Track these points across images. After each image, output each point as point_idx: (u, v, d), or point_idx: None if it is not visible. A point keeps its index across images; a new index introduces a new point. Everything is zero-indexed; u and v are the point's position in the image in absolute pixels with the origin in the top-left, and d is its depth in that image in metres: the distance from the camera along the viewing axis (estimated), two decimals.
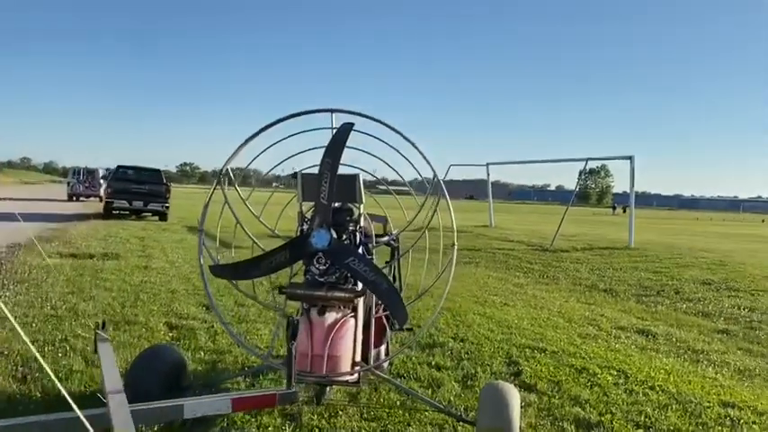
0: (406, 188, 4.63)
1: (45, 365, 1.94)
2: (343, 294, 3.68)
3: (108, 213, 22.66)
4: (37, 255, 10.99)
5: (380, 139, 3.82)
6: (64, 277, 8.57)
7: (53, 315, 6.26)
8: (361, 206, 3.90)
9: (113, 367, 2.62)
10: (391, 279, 4.55)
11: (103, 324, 2.98)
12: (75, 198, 38.46)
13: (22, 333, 2.00)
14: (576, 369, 5.48)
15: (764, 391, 5.37)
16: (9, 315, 2.18)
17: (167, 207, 22.83)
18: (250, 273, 3.79)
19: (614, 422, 4.25)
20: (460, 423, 3.87)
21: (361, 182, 3.82)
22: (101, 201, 30.28)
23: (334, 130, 3.67)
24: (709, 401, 4.84)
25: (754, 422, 4.47)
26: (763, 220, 64.30)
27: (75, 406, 1.71)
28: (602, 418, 4.30)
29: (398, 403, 4.31)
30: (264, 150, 3.97)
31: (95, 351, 2.76)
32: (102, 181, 35.88)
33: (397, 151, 3.81)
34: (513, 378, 5.11)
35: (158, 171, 25.25)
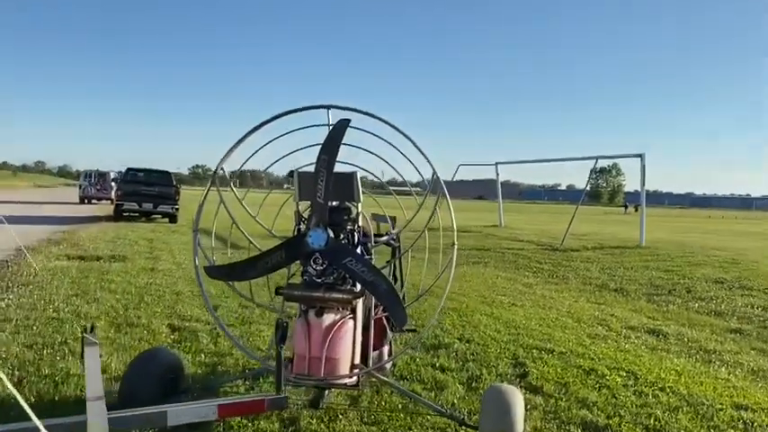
0: (406, 188, 4.53)
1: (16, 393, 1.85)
2: (341, 295, 3.59)
3: (118, 216, 22.71)
4: (44, 257, 11.00)
5: (378, 136, 3.73)
6: (69, 279, 8.54)
7: (55, 317, 6.22)
8: (359, 205, 3.80)
9: (97, 373, 2.53)
10: (391, 279, 4.47)
11: (92, 327, 2.90)
12: (87, 201, 38.63)
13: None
14: (585, 370, 5.36)
15: None
16: None
17: (177, 209, 22.84)
18: (246, 273, 3.71)
19: (623, 425, 4.13)
20: (463, 427, 3.77)
21: (359, 180, 3.73)
22: (112, 203, 30.38)
23: (331, 127, 3.59)
24: (721, 403, 4.71)
25: None
26: None
27: (33, 415, 1.62)
28: (610, 422, 4.18)
29: (400, 407, 4.21)
30: (260, 148, 3.89)
31: (82, 356, 2.67)
32: (113, 184, 35.99)
33: (395, 147, 3.72)
34: (518, 380, 5.00)
35: (168, 173, 25.29)
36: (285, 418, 3.91)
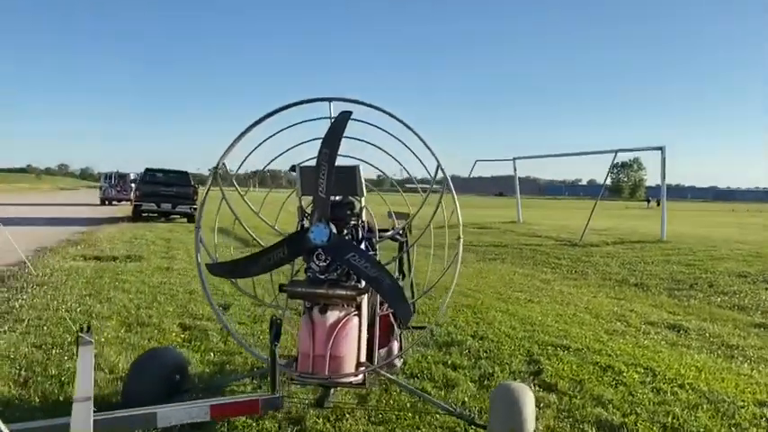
0: (412, 184, 4.41)
1: None
2: (345, 292, 3.51)
3: (137, 216, 22.89)
4: (61, 257, 11.07)
5: (382, 129, 3.63)
6: (83, 280, 8.56)
7: (67, 317, 6.21)
8: (363, 199, 3.71)
9: (89, 374, 2.47)
10: (399, 275, 4.38)
11: (88, 327, 2.85)
12: (107, 202, 39.05)
13: None
14: (601, 367, 5.22)
15: None
16: None
17: (195, 209, 22.96)
18: (248, 270, 3.65)
19: (639, 424, 4.00)
20: (473, 426, 3.66)
21: (362, 174, 3.64)
22: (131, 204, 30.66)
23: (332, 120, 3.50)
24: (743, 400, 4.55)
25: None
26: None
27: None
28: (626, 420, 4.04)
29: (409, 405, 4.12)
30: (262, 143, 3.81)
31: (76, 354, 2.63)
32: (132, 185, 36.30)
33: (398, 140, 3.61)
34: (532, 377, 4.88)
35: (186, 173, 25.42)
36: (290, 418, 3.83)
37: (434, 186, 3.70)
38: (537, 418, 3.95)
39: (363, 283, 3.52)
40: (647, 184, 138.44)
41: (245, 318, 6.61)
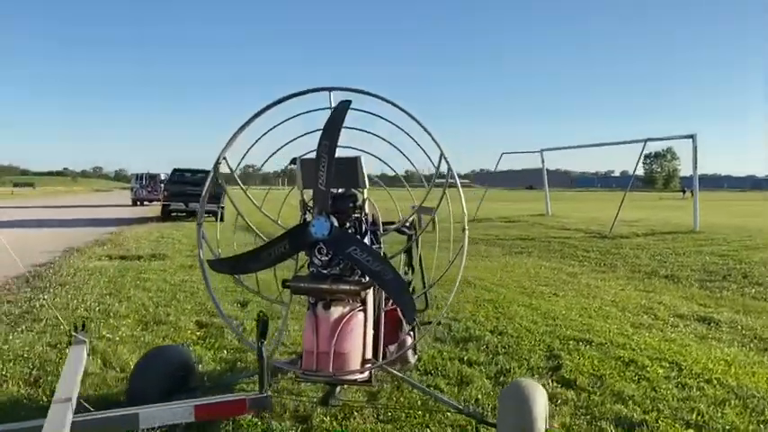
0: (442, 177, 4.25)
1: None
2: (348, 287, 3.40)
3: (165, 216, 23.14)
4: (87, 258, 11.20)
5: (383, 117, 3.51)
6: (105, 279, 8.63)
7: (85, 317, 6.23)
8: (365, 191, 3.60)
9: (75, 374, 2.41)
10: (408, 269, 4.26)
11: (83, 325, 2.81)
12: (139, 203, 39.60)
13: None
14: (624, 362, 5.03)
15: None
16: None
17: (222, 207, 23.10)
18: (250, 266, 3.57)
19: (660, 421, 3.82)
20: (483, 425, 3.53)
21: (363, 165, 3.52)
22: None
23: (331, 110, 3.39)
24: None
25: None
26: None
27: None
28: (647, 417, 3.86)
29: (419, 403, 4.00)
30: (263, 136, 3.72)
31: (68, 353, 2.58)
32: (162, 185, 36.76)
33: (401, 129, 3.49)
34: (551, 373, 4.72)
35: (208, 172, 25.56)
36: (298, 416, 3.76)
37: (439, 177, 3.56)
38: (553, 416, 3.82)
39: (368, 277, 3.41)
40: (682, 174, 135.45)
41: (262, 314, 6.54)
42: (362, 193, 3.59)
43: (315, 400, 3.86)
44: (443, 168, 3.39)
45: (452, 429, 3.63)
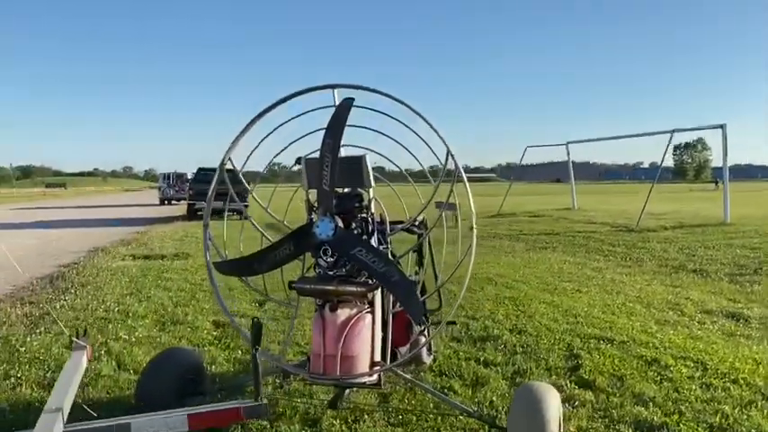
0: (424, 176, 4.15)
1: None
2: (355, 288, 3.33)
3: (191, 215, 23.34)
4: (111, 257, 11.31)
5: (388, 115, 3.42)
6: (127, 279, 8.69)
7: (103, 318, 6.28)
8: (371, 190, 3.52)
9: (70, 382, 2.38)
10: (421, 269, 4.17)
11: (85, 331, 2.78)
12: (166, 202, 40.08)
13: None
14: (646, 361, 4.88)
15: None
16: None
17: (247, 206, 23.25)
18: (255, 268, 3.52)
19: (682, 424, 3.68)
20: (494, 429, 3.44)
21: (369, 164, 3.44)
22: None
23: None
24: None
25: None
26: None
27: None
28: (668, 420, 3.72)
29: (432, 405, 3.92)
30: (267, 136, 3.66)
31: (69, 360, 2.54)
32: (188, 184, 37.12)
33: (407, 126, 3.40)
34: (569, 374, 4.59)
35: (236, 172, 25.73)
36: (307, 419, 3.71)
37: (443, 173, 3.45)
38: (569, 419, 3.71)
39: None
40: (714, 164, 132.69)
41: (280, 314, 6.53)
42: (368, 192, 3.51)
43: (325, 402, 3.81)
44: (450, 166, 3.30)
45: None
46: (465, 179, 3.28)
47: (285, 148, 3.75)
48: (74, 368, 2.38)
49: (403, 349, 3.91)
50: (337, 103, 3.43)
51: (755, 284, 8.77)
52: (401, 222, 3.77)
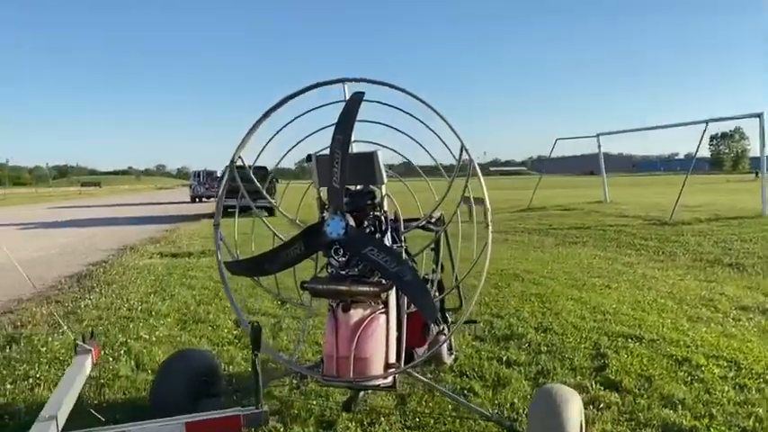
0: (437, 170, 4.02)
1: None
2: (368, 288, 3.23)
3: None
4: (139, 255, 11.42)
5: (399, 109, 3.31)
6: (153, 277, 8.74)
7: (126, 317, 6.30)
8: (383, 187, 3.41)
9: (69, 389, 2.32)
10: (438, 267, 4.05)
11: (92, 333, 2.74)
12: (197, 199, 40.53)
13: None
14: (676, 360, 4.70)
15: None
16: None
17: (273, 204, 23.41)
18: (266, 268, 3.45)
19: (712, 428, 3.51)
20: None
21: (381, 160, 3.34)
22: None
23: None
24: None
25: None
26: None
27: None
28: (698, 423, 3.55)
29: (450, 407, 3.80)
30: (277, 133, 3.59)
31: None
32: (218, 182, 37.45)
33: (419, 120, 3.28)
34: (594, 374, 4.43)
35: (265, 168, 25.77)
36: (322, 421, 3.63)
37: (458, 168, 3.33)
38: (593, 421, 3.57)
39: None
40: (752, 154, 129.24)
41: (301, 312, 6.46)
42: (381, 189, 3.41)
43: (338, 404, 3.73)
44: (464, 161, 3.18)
45: None
46: (479, 174, 3.16)
47: (295, 145, 3.67)
48: (76, 372, 2.34)
49: (420, 350, 3.81)
50: (347, 98, 3.34)
51: None
52: (416, 220, 3.66)
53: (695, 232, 13.73)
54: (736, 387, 4.16)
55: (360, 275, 3.25)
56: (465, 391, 4.09)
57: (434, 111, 3.10)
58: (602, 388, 4.14)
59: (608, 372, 4.44)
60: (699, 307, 6.74)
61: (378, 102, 3.28)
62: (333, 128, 3.31)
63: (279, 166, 4.19)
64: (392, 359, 3.36)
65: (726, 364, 4.61)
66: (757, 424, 3.57)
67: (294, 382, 4.28)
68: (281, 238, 3.64)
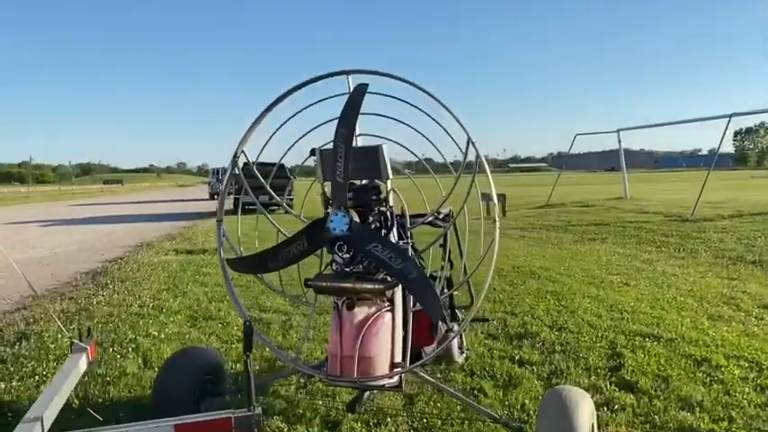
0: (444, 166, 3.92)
1: None
2: (372, 285, 3.14)
3: (236, 209, 23.62)
4: (155, 252, 11.44)
5: (405, 101, 3.22)
6: (166, 274, 8.74)
7: (137, 313, 6.28)
8: (389, 182, 3.32)
9: (59, 389, 2.27)
10: (447, 263, 3.95)
11: (89, 331, 2.68)
12: (216, 196, 40.80)
13: None
14: (695, 360, 4.55)
15: None
16: None
17: (291, 199, 23.46)
18: (269, 265, 3.37)
19: (731, 431, 3.37)
20: None
21: (386, 154, 3.24)
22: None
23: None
24: None
25: None
26: None
27: None
28: (716, 426, 3.42)
29: (459, 408, 3.71)
30: (281, 126, 3.51)
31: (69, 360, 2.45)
32: None
33: (424, 112, 3.19)
34: (609, 374, 4.30)
35: (282, 165, 25.87)
36: (327, 422, 3.56)
37: (464, 163, 3.23)
38: (606, 424, 3.46)
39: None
40: None
41: (309, 310, 6.40)
42: (386, 184, 3.31)
43: (342, 405, 3.66)
44: (471, 156, 3.07)
45: None
46: (487, 168, 3.05)
47: (300, 138, 3.59)
48: (68, 372, 2.28)
49: (428, 349, 3.71)
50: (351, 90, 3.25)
51: None
52: (423, 215, 3.56)
53: (717, 229, 13.45)
54: (758, 388, 4.00)
55: (365, 272, 3.17)
56: (475, 392, 3.99)
57: (441, 103, 3.00)
58: (617, 389, 4.01)
59: (624, 372, 4.30)
60: (720, 305, 6.56)
61: (383, 94, 3.19)
62: (332, 122, 3.23)
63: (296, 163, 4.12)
64: (398, 358, 3.27)
65: (747, 365, 4.45)
66: None
67: (301, 381, 4.22)
68: (285, 234, 3.56)
